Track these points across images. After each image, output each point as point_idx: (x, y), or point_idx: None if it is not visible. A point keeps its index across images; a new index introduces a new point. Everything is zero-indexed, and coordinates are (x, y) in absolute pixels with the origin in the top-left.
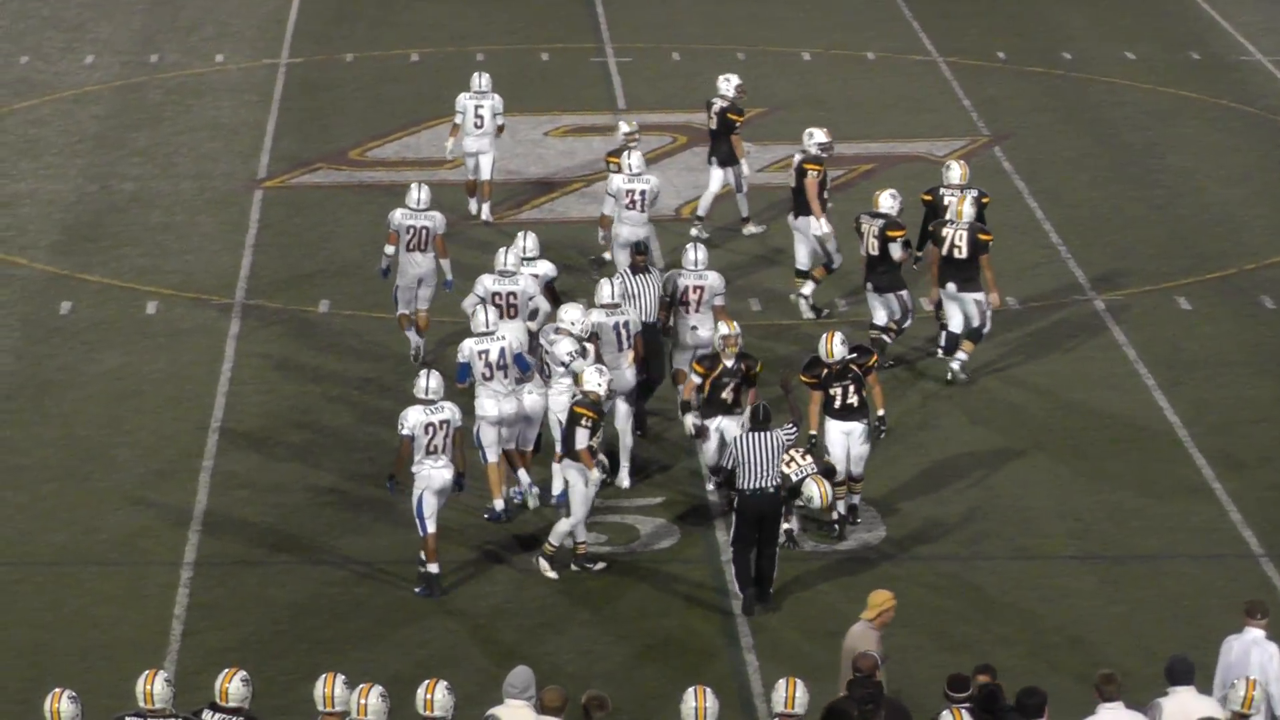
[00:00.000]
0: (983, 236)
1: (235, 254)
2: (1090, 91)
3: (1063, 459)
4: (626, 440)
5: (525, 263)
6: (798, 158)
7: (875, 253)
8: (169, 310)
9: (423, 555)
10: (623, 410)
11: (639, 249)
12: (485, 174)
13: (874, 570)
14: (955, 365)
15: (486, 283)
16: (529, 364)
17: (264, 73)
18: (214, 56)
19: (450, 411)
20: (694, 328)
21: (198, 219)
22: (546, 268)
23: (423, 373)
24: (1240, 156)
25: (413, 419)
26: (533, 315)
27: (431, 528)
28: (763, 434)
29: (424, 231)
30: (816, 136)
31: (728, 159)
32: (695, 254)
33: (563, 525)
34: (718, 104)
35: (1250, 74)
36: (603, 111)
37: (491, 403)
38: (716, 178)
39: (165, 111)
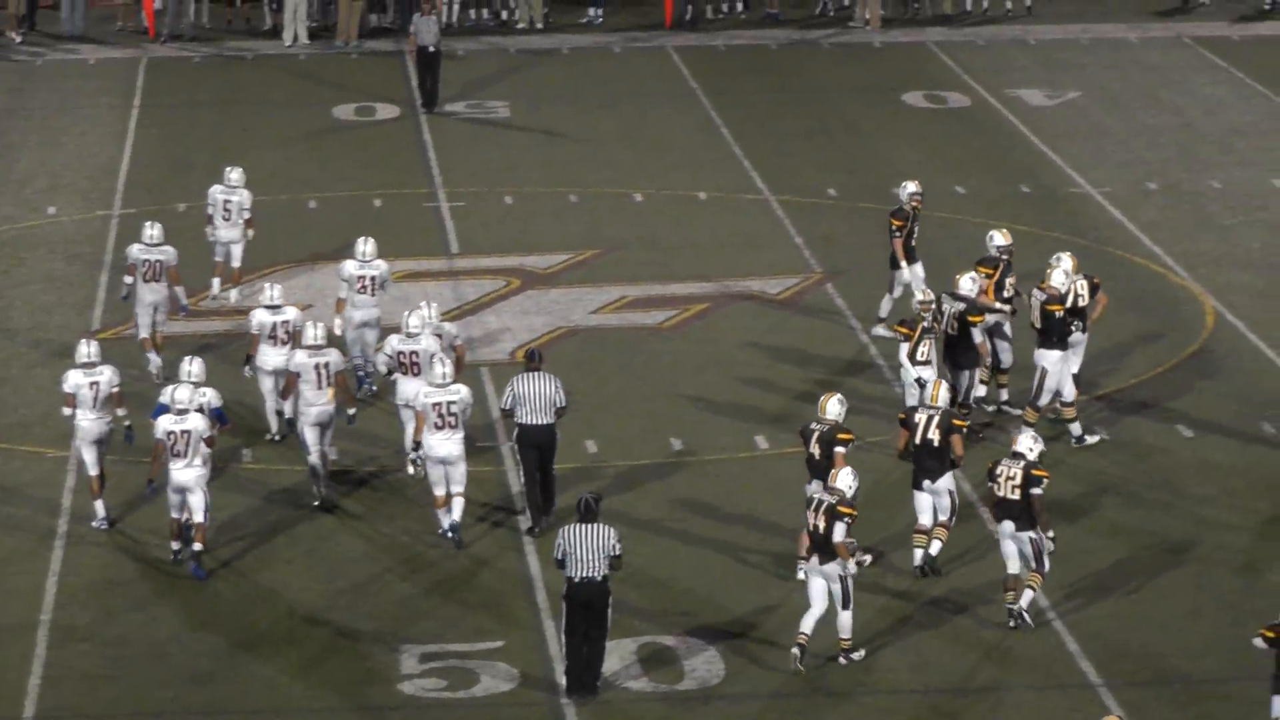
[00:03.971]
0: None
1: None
2: (923, 227)
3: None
4: (320, 460)
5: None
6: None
7: (954, 332)
8: (5, 464)
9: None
10: (312, 436)
11: (532, 356)
12: (235, 261)
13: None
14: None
15: (394, 343)
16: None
17: (97, 224)
18: (46, 209)
19: (192, 422)
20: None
21: (33, 372)
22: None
23: (169, 388)
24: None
25: (161, 425)
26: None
27: (177, 515)
28: (589, 526)
29: (158, 264)
30: (996, 240)
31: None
32: (415, 317)
33: (846, 619)
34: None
35: (1081, 205)
36: (436, 257)
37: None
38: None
39: None
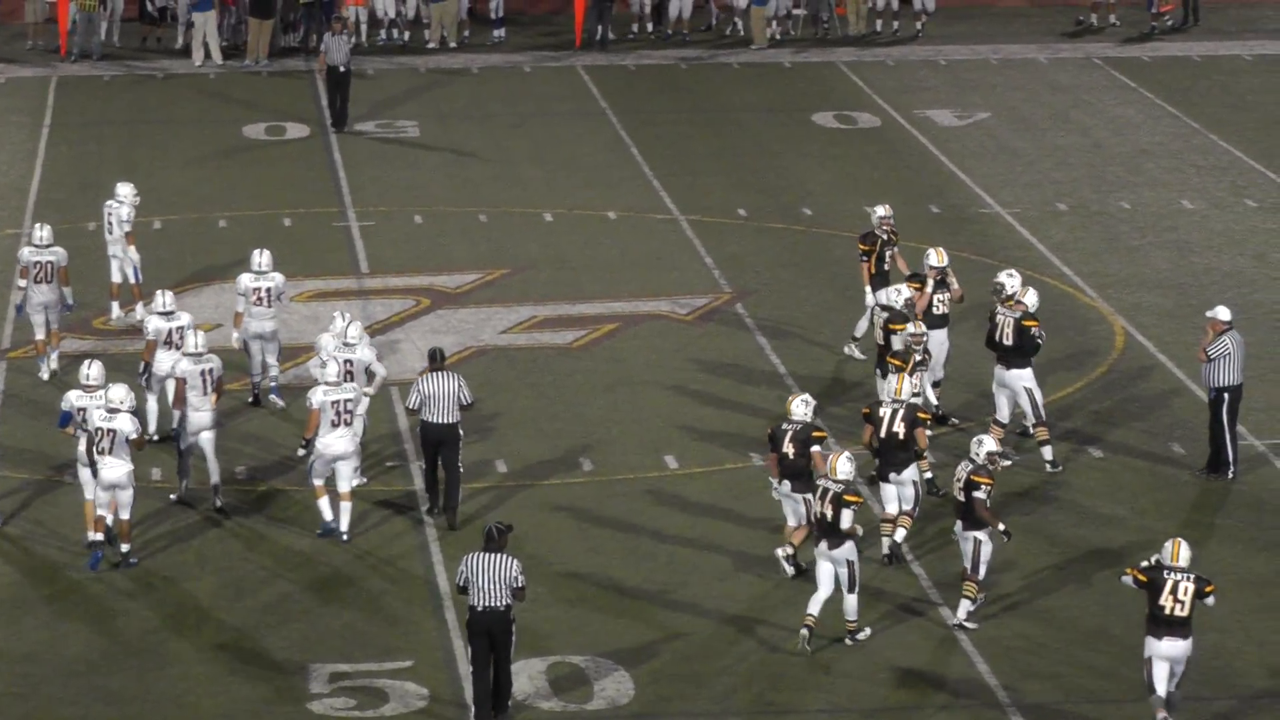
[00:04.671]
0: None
1: None
2: (832, 246)
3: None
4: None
5: (345, 346)
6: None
7: (882, 342)
8: None
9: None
10: (191, 442)
11: (434, 356)
12: (133, 277)
13: None
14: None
15: (330, 349)
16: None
17: (7, 242)
18: None
19: (119, 422)
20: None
21: None
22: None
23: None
24: (985, 308)
25: (91, 421)
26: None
27: (101, 512)
28: (492, 555)
29: (49, 265)
30: (931, 259)
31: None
32: (354, 328)
33: (852, 601)
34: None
35: (990, 226)
36: (346, 275)
37: None
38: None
39: None
